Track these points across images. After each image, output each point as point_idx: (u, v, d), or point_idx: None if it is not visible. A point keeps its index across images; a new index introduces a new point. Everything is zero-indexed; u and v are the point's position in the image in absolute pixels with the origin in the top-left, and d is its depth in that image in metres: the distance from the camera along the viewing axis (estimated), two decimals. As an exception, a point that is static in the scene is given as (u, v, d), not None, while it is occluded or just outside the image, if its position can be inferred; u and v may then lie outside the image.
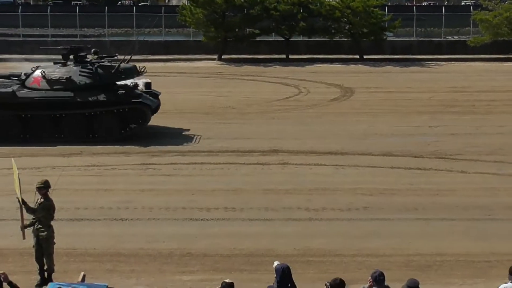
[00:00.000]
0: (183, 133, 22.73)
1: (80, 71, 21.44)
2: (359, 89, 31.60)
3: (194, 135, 22.29)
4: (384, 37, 45.37)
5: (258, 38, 44.82)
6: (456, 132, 22.80)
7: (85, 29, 54.78)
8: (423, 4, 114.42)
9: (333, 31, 45.10)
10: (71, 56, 22.11)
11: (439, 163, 18.99)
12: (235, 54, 43.13)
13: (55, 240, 11.48)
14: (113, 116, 21.30)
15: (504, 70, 39.85)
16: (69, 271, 11.68)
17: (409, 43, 48.10)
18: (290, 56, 43.35)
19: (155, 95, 22.53)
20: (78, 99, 21.01)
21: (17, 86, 21.59)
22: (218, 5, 43.34)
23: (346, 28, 45.09)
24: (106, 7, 50.82)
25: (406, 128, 23.28)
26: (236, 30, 44.76)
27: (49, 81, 21.30)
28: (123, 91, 21.29)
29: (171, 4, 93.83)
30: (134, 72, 22.18)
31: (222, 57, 42.94)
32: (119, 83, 21.81)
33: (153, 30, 46.83)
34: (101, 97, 21.11)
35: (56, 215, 11.59)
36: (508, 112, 26.32)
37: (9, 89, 21.27)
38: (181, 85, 32.77)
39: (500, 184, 17.03)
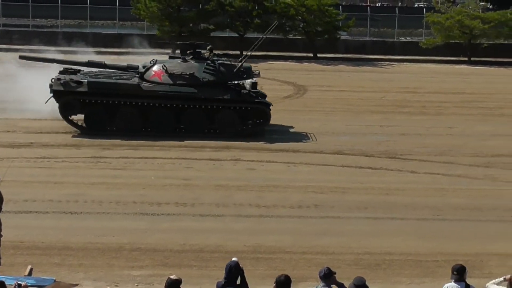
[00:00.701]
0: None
1: (205, 68, 21.60)
2: (312, 87, 31.73)
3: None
4: (338, 36, 45.62)
5: (212, 34, 44.68)
6: (407, 132, 23.05)
7: (38, 19, 54.00)
8: (377, 4, 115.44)
9: (287, 28, 45.21)
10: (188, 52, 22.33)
11: (390, 163, 19.18)
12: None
13: (2, 233, 11.27)
14: (234, 113, 21.59)
15: (455, 72, 40.43)
16: (15, 264, 11.49)
17: (363, 43, 48.47)
18: (244, 52, 43.26)
19: (264, 95, 22.42)
20: (202, 96, 21.20)
21: (137, 78, 21.65)
22: (173, 0, 43.13)
23: (301, 26, 45.24)
24: (59, -2, 50.14)
25: (357, 127, 23.45)
26: (191, 25, 44.60)
27: (172, 76, 21.45)
28: (247, 91, 21.56)
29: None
30: (251, 72, 22.40)
31: (176, 51, 42.66)
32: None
33: (107, 23, 46.40)
34: (226, 96, 21.41)
35: (4, 207, 11.38)
36: (458, 114, 26.71)
37: (134, 82, 21.34)
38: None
39: (449, 185, 17.27)
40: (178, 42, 23.23)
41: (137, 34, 46.72)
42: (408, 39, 54.36)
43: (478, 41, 46.35)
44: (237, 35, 44.92)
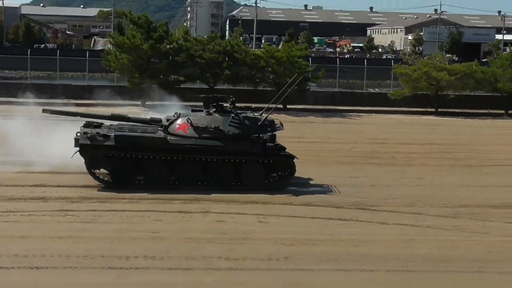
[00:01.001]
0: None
1: (230, 121, 21.76)
2: (282, 139, 31.55)
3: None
4: (308, 87, 46.04)
5: (183, 85, 44.88)
6: (376, 184, 23.15)
7: (6, 71, 53.92)
8: (346, 56, 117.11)
9: (257, 80, 45.60)
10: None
11: (359, 214, 19.19)
12: (159, 100, 42.98)
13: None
14: (261, 166, 21.71)
15: (423, 123, 40.90)
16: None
17: (332, 94, 48.97)
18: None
19: (283, 148, 22.40)
20: (229, 149, 21.35)
21: (162, 132, 21.75)
22: (144, 51, 43.32)
23: (271, 77, 45.64)
24: (29, 50, 50.18)
25: (327, 178, 23.48)
26: (161, 76, 44.78)
27: (197, 129, 21.53)
28: (272, 144, 21.77)
29: (96, 49, 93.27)
30: (274, 126, 22.52)
31: (146, 103, 42.75)
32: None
33: (77, 74, 46.47)
34: (252, 149, 21.62)
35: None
36: (426, 165, 26.93)
37: (161, 135, 21.42)
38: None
39: (418, 236, 17.31)
40: (201, 96, 23.35)
41: (107, 85, 46.82)
42: (377, 90, 55.15)
43: (445, 92, 47.15)
44: (207, 87, 45.14)
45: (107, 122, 22.91)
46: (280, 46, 74.59)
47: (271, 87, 45.42)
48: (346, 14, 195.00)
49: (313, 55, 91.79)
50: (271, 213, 18.95)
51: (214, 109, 22.39)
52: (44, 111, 23.64)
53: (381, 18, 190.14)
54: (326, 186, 22.44)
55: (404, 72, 46.99)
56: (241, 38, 62.03)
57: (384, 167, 26.15)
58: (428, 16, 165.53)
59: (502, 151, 31.01)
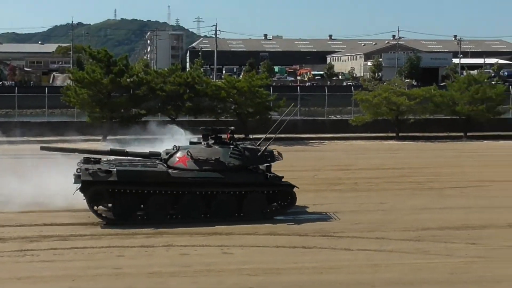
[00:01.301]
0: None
1: (231, 153, 21.78)
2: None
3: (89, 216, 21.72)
4: (269, 116, 46.20)
5: (144, 118, 44.74)
6: (340, 210, 23.19)
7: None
8: (307, 84, 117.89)
9: (219, 111, 45.67)
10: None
11: (323, 241, 19.20)
12: (120, 134, 42.82)
13: None
14: (262, 196, 21.79)
15: (384, 147, 41.22)
16: None
17: (294, 122, 49.10)
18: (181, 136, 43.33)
19: (280, 177, 22.53)
20: (229, 181, 21.31)
21: (162, 165, 21.71)
22: (104, 86, 43.18)
23: (232, 108, 45.75)
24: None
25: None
26: (122, 110, 44.61)
27: (197, 162, 21.47)
28: (272, 174, 22.00)
29: (55, 85, 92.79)
30: (274, 156, 22.57)
31: (108, 137, 42.51)
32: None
33: (36, 111, 46.14)
34: (253, 180, 21.71)
35: None
36: (388, 189, 27.10)
37: (162, 169, 21.34)
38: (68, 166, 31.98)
39: (381, 260, 17.35)
40: (200, 128, 23.25)
41: (67, 121, 46.52)
42: (338, 117, 55.56)
43: (405, 117, 47.67)
44: (169, 119, 45.06)
45: (103, 157, 22.78)
46: (241, 76, 74.95)
47: (233, 117, 45.53)
48: (306, 42, 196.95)
49: (274, 84, 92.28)
50: (235, 244, 18.88)
51: (213, 141, 22.43)
52: (42, 148, 23.45)
53: (340, 46, 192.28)
54: (289, 215, 22.42)
55: (365, 98, 47.44)
56: (202, 69, 62.15)
57: (347, 193, 26.26)
58: (386, 42, 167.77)
59: (462, 173, 31.35)
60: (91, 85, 43.06)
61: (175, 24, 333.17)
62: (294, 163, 33.89)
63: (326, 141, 43.73)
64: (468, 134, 47.40)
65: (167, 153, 22.14)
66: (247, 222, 21.18)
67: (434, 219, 21.79)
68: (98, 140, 42.08)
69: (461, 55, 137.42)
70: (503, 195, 25.99)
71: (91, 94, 43.54)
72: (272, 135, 23.53)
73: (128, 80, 44.06)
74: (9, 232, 20.04)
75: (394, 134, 46.69)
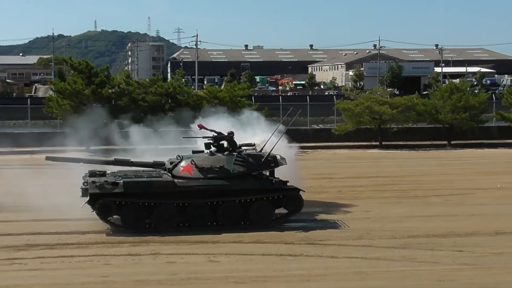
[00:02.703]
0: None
1: (235, 159, 21.80)
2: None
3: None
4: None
5: (126, 129, 44.58)
6: (325, 218, 23.24)
7: None
8: (289, 94, 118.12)
9: (201, 121, 45.58)
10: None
11: (309, 249, 19.22)
12: (104, 145, 42.64)
13: None
14: (268, 202, 21.78)
15: (367, 156, 41.36)
16: None
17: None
18: (160, 147, 43.21)
19: (285, 182, 22.45)
20: (235, 188, 21.33)
21: (167, 175, 21.74)
22: (86, 97, 43.10)
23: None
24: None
25: (276, 215, 23.46)
26: (104, 121, 44.48)
27: (202, 170, 21.50)
28: (277, 179, 22.00)
29: (37, 96, 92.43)
30: (277, 161, 22.51)
31: (91, 147, 42.32)
32: None
33: (19, 122, 45.98)
34: (259, 186, 21.71)
35: None
36: (373, 197, 27.19)
37: (168, 179, 21.40)
38: (53, 176, 31.86)
39: (368, 268, 17.38)
40: (203, 137, 23.14)
41: (50, 132, 46.32)
42: (321, 126, 55.65)
43: (388, 126, 47.86)
44: (151, 129, 44.91)
45: (107, 168, 22.91)
46: (222, 87, 74.97)
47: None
48: (287, 52, 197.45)
49: (255, 94, 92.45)
50: (221, 252, 18.86)
51: (215, 149, 22.50)
52: (47, 158, 23.51)
53: (322, 55, 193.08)
54: (274, 222, 22.41)
55: (347, 107, 47.60)
56: (183, 80, 62.15)
57: (331, 201, 26.29)
58: (367, 51, 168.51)
59: (446, 181, 31.50)
60: (73, 96, 43.04)
61: (155, 35, 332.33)
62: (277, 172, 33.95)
63: (309, 150, 43.79)
64: (452, 142, 47.68)
65: (171, 163, 22.19)
66: (254, 229, 21.24)
67: (420, 227, 21.88)
68: (82, 150, 41.84)
69: (442, 64, 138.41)
70: (488, 203, 26.13)
71: (73, 105, 43.45)
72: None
73: (110, 91, 44.06)
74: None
75: (377, 143, 46.89)
